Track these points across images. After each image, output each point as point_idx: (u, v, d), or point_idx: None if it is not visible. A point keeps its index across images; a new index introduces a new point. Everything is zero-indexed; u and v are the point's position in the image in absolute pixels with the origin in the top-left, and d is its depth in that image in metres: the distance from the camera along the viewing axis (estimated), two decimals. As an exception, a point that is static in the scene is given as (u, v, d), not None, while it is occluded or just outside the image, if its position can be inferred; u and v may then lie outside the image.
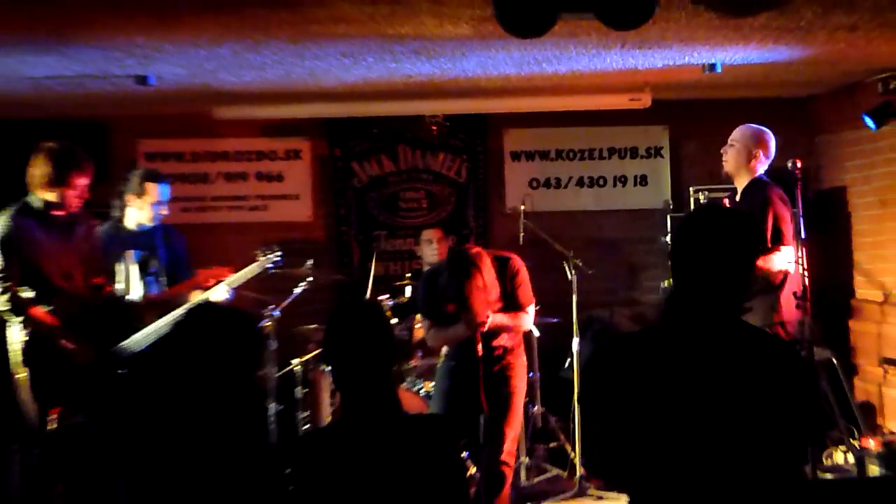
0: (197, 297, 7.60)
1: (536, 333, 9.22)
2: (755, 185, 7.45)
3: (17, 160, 9.92)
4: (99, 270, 7.28)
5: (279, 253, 8.21)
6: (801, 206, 7.36)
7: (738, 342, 3.76)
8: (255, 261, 8.02)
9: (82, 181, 7.01)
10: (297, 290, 8.98)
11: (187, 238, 7.99)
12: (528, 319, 7.33)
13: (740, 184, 7.46)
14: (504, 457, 7.02)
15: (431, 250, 9.64)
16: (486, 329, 6.90)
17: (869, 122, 8.93)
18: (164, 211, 7.74)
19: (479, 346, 6.76)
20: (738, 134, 7.55)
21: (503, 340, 7.21)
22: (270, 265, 8.03)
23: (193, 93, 9.04)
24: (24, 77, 7.99)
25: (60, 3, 6.11)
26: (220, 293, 7.68)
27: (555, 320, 9.34)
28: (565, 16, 5.68)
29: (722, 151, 7.57)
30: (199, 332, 4.22)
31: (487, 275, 6.77)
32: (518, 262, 7.18)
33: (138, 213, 7.77)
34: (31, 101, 9.19)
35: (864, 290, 9.76)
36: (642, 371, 3.73)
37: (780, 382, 3.70)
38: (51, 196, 6.98)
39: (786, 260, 7.14)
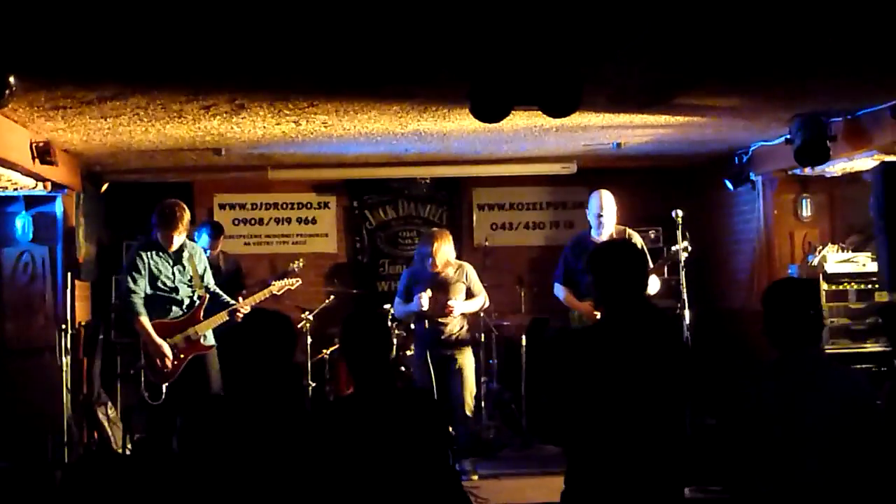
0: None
1: (495, 332, 9.26)
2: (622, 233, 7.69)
3: (131, 211, 9.99)
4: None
5: (294, 280, 8.12)
6: (682, 243, 7.39)
7: (644, 331, 3.81)
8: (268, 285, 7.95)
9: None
10: (327, 301, 9.02)
11: (249, 263, 7.99)
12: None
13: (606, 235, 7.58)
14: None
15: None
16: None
17: (728, 184, 9.01)
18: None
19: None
20: (610, 203, 7.61)
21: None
22: (277, 293, 7.91)
23: (253, 160, 9.06)
24: (134, 149, 8.00)
25: (154, 96, 6.13)
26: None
27: (507, 323, 9.39)
28: (518, 107, 5.74)
29: (599, 221, 7.59)
30: (253, 328, 4.25)
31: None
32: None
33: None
34: (139, 169, 9.20)
35: (729, 301, 9.81)
36: (581, 355, 3.77)
37: (669, 357, 3.76)
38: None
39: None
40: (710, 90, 6.31)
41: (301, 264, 8.84)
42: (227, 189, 10.48)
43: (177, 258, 7.20)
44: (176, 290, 7.18)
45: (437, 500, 4.00)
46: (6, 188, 7.39)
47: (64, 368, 7.96)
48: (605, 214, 7.55)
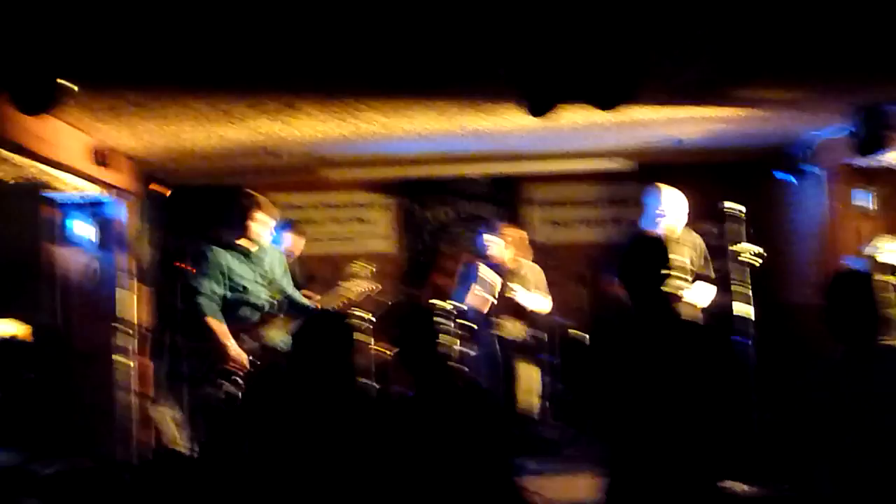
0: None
1: (559, 331, 9.23)
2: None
3: (192, 215, 10.11)
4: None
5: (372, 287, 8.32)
6: (744, 238, 7.34)
7: (673, 329, 3.81)
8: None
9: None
10: (389, 303, 9.05)
11: (307, 264, 8.02)
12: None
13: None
14: None
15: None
16: None
17: (789, 178, 8.92)
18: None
19: None
20: (678, 198, 7.52)
21: None
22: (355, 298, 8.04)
23: (311, 162, 9.13)
24: (196, 154, 8.09)
25: (214, 101, 6.21)
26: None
27: (571, 321, 9.34)
28: (568, 101, 5.73)
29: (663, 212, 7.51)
30: (317, 330, 4.29)
31: None
32: None
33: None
34: (200, 173, 9.31)
35: (792, 296, 9.71)
36: (617, 351, 3.78)
37: (699, 357, 3.75)
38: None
39: None
40: (770, 83, 6.26)
41: (372, 269, 8.86)
42: (284, 189, 10.54)
43: (252, 257, 7.10)
44: (249, 291, 7.05)
45: (494, 498, 4.02)
46: (70, 192, 7.51)
47: (130, 372, 8.09)
48: (666, 214, 7.44)
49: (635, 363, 3.72)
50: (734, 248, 7.40)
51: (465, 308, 7.71)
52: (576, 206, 10.83)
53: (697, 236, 7.65)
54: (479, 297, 7.56)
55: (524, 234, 7.90)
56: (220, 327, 6.89)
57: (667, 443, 3.66)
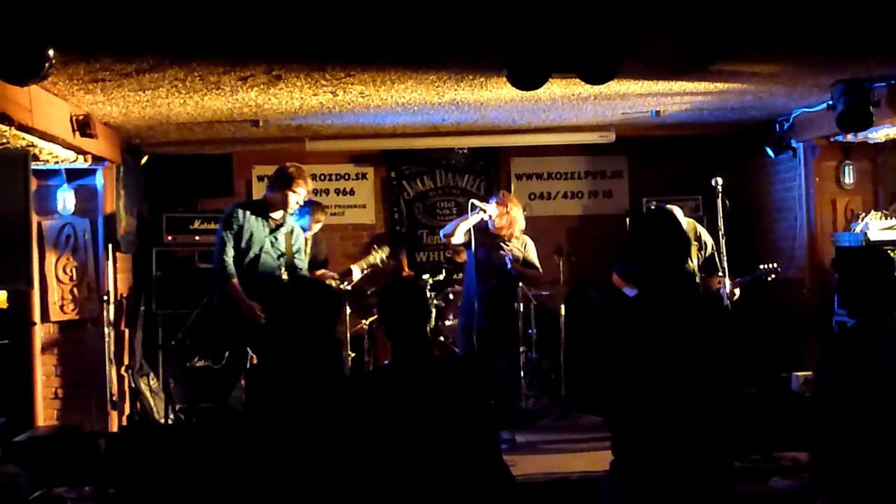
0: None
1: (534, 302, 9.26)
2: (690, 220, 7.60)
3: (170, 183, 10.10)
4: None
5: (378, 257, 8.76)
6: (723, 212, 7.35)
7: (688, 304, 3.80)
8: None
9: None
10: (366, 270, 9.04)
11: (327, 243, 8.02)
12: None
13: None
14: None
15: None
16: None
17: (770, 151, 8.92)
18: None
19: None
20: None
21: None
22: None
23: (290, 132, 9.09)
24: (172, 121, 8.04)
25: (192, 68, 6.15)
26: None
27: (546, 293, 9.37)
28: (556, 74, 5.70)
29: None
30: (295, 296, 4.28)
31: None
32: None
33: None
34: (178, 141, 9.25)
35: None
36: (625, 327, 3.76)
37: (713, 330, 3.75)
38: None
39: None
40: (750, 56, 6.25)
41: (384, 255, 8.93)
42: (265, 161, 10.49)
43: (275, 227, 7.20)
44: (261, 260, 7.16)
45: (477, 470, 4.01)
46: (47, 161, 7.45)
47: (106, 339, 8.07)
48: None
49: (649, 337, 3.68)
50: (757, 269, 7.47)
51: (445, 234, 7.74)
52: (555, 179, 10.84)
53: (701, 228, 7.67)
54: (460, 228, 7.56)
55: (520, 207, 7.89)
56: (238, 287, 7.02)
57: (676, 415, 3.64)
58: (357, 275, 8.48)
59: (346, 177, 10.76)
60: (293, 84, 6.69)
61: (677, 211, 7.46)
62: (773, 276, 7.56)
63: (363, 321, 9.24)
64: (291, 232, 7.32)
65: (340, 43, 5.66)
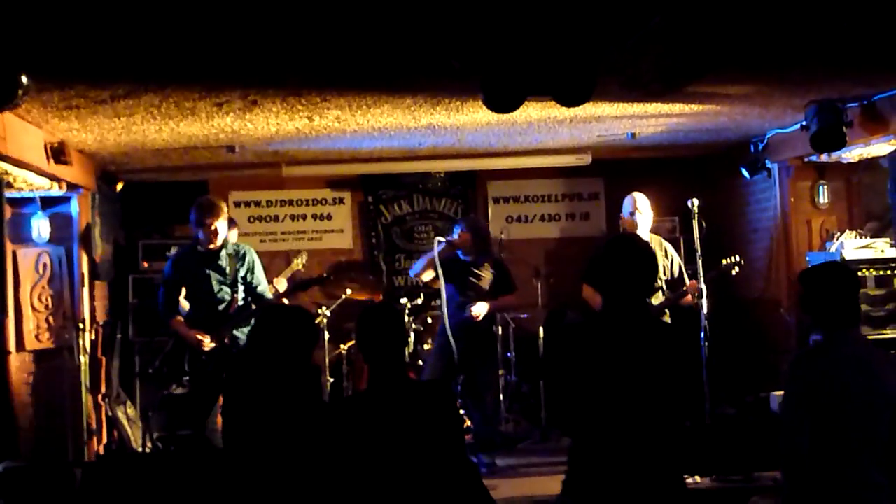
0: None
1: (512, 325, 9.25)
2: (655, 236, 7.56)
3: (147, 210, 10.05)
4: None
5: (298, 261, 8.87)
6: (697, 232, 7.35)
7: (645, 329, 3.82)
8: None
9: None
10: (343, 297, 9.01)
11: (265, 260, 7.96)
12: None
13: (644, 238, 7.37)
14: None
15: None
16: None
17: (745, 172, 8.96)
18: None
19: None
20: (645, 204, 7.50)
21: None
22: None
23: (267, 157, 9.07)
24: (148, 148, 8.00)
25: (167, 94, 6.13)
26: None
27: (525, 316, 9.36)
28: (531, 97, 5.71)
29: (630, 218, 7.50)
30: (271, 323, 4.26)
31: None
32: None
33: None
34: (154, 168, 9.21)
35: (747, 292, 9.76)
36: (584, 349, 3.77)
37: (670, 354, 3.76)
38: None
39: None
40: (724, 77, 6.27)
41: (304, 260, 8.93)
42: (241, 187, 10.48)
43: (212, 258, 7.14)
44: (212, 292, 7.14)
45: (455, 493, 3.99)
46: (22, 189, 7.40)
47: (83, 368, 8.00)
48: (638, 219, 7.43)
49: (603, 360, 3.70)
50: (722, 262, 7.45)
51: (414, 274, 7.83)
52: (532, 202, 10.85)
53: (669, 245, 7.66)
54: (427, 266, 7.60)
55: (486, 228, 7.91)
56: (179, 325, 7.13)
57: (628, 435, 3.65)
58: (283, 286, 8.40)
59: (324, 202, 10.73)
60: (269, 109, 6.67)
61: (642, 220, 7.45)
62: (736, 269, 7.51)
63: (342, 346, 9.20)
64: (236, 254, 7.23)
65: (315, 68, 5.65)
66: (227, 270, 7.13)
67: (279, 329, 4.26)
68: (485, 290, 7.69)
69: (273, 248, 10.40)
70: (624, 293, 3.81)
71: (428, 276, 7.70)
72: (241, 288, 7.15)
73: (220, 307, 7.13)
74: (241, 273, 7.16)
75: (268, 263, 9.55)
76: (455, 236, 7.75)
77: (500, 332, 8.84)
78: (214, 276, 7.13)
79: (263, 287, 7.28)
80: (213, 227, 6.99)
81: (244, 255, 7.22)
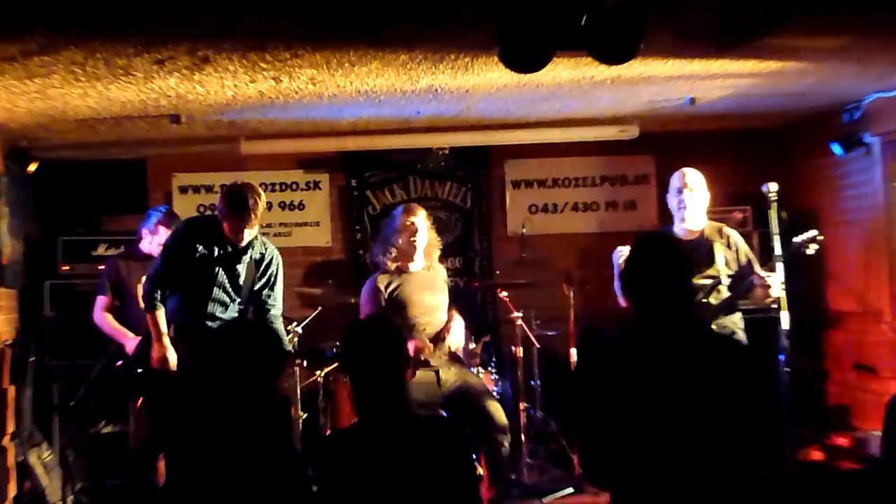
0: None
1: (537, 345, 9.24)
2: (713, 223, 7.52)
3: (68, 198, 10.04)
4: None
5: None
6: (776, 226, 7.34)
7: (698, 346, 3.81)
8: None
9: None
10: (319, 309, 9.00)
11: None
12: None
13: (697, 224, 7.38)
14: None
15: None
16: None
17: (837, 149, 8.94)
18: None
19: None
20: (697, 181, 7.47)
21: None
22: None
23: (221, 130, 9.07)
24: (69, 117, 8.01)
25: (94, 48, 6.13)
26: None
27: (553, 333, 9.34)
28: (560, 53, 5.70)
29: (677, 197, 7.46)
30: (225, 340, 4.26)
31: None
32: None
33: (149, 247, 7.99)
34: (79, 144, 9.22)
35: (838, 301, 9.74)
36: (623, 374, 3.77)
37: (734, 382, 3.75)
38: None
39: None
40: (811, 26, 6.26)
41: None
42: (188, 167, 10.48)
43: (234, 256, 7.21)
44: (212, 294, 7.21)
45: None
46: None
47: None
48: (688, 198, 7.41)
49: (648, 388, 3.69)
50: (793, 240, 7.39)
51: None
52: (563, 186, 10.85)
53: (733, 231, 7.63)
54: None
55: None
56: (161, 319, 7.19)
57: (683, 489, 3.64)
58: None
59: (294, 187, 10.74)
60: (224, 68, 6.67)
61: (692, 199, 7.39)
62: (812, 245, 7.44)
63: (318, 373, 9.18)
64: (260, 261, 7.32)
65: (285, 14, 5.64)
66: (243, 278, 7.22)
67: (235, 348, 4.26)
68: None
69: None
70: (660, 303, 3.82)
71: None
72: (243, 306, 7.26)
73: (208, 323, 7.19)
74: (258, 285, 7.28)
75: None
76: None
77: (521, 354, 8.83)
78: (222, 279, 7.21)
79: (278, 310, 7.39)
80: (244, 226, 7.07)
81: (269, 262, 7.34)
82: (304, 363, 8.78)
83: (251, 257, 7.21)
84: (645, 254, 3.99)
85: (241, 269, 7.20)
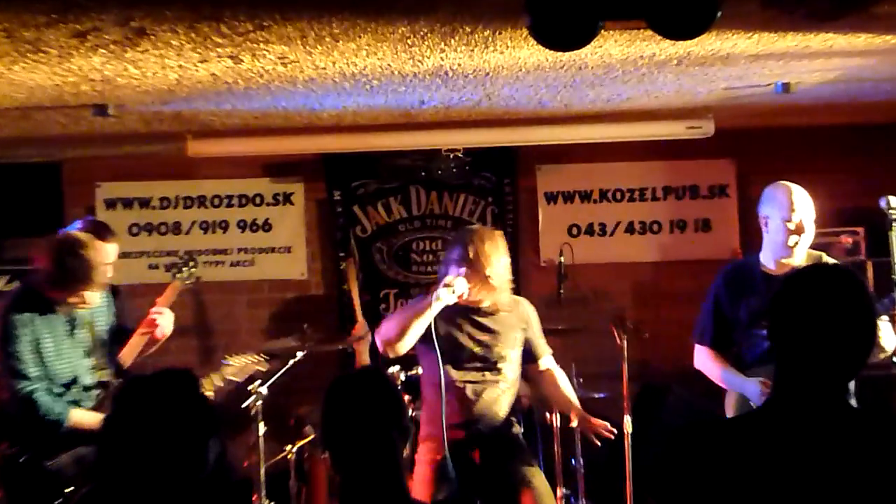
0: None
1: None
2: (812, 252, 7.50)
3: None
4: None
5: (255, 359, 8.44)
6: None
7: (857, 434, 3.73)
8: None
9: None
10: (290, 363, 8.99)
11: (156, 300, 8.01)
12: None
13: (799, 257, 7.38)
14: None
15: None
16: None
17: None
18: (111, 273, 7.81)
19: None
20: (809, 206, 7.44)
21: None
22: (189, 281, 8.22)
23: (162, 126, 9.08)
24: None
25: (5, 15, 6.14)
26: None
27: (602, 395, 9.33)
28: (609, 24, 5.70)
29: (782, 227, 7.44)
30: (133, 408, 4.23)
31: None
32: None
33: None
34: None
35: None
36: (731, 471, 3.71)
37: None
38: None
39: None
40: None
41: (191, 277, 8.90)
42: (118, 174, 10.53)
43: (74, 321, 7.40)
44: (74, 372, 7.42)
45: None
46: None
47: None
48: (797, 223, 7.39)
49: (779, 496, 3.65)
50: None
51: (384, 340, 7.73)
52: (612, 201, 10.87)
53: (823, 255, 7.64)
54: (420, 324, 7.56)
55: (498, 234, 7.83)
56: (82, 416, 7.41)
57: None
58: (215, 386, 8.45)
59: (258, 200, 10.77)
60: (166, 43, 6.68)
61: (805, 227, 7.38)
62: None
63: (288, 448, 9.18)
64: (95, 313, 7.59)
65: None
66: (85, 331, 7.39)
67: (158, 417, 4.21)
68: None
69: (167, 278, 10.37)
70: (821, 367, 3.76)
71: (408, 343, 7.61)
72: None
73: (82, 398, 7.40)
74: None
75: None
76: (458, 278, 7.64)
77: (556, 422, 8.81)
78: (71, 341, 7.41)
79: None
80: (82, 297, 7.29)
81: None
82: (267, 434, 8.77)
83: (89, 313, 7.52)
84: (821, 290, 3.89)
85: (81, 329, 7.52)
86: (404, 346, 7.54)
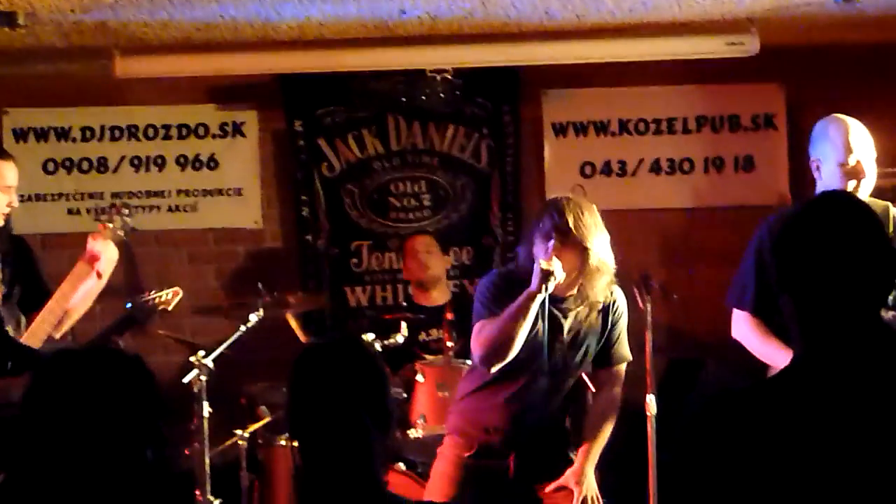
0: None
1: (592, 389, 9.25)
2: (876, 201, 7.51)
3: None
4: None
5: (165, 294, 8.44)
6: None
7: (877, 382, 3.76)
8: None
9: None
10: (242, 329, 8.99)
11: (77, 252, 7.99)
12: None
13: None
14: None
15: (419, 264, 9.58)
16: None
17: None
18: (14, 203, 7.78)
19: None
20: (869, 145, 7.45)
21: None
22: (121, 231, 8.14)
23: (84, 39, 9.07)
24: None
25: None
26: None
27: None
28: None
29: (841, 165, 7.46)
30: (61, 387, 4.24)
31: None
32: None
33: None
34: None
35: None
36: (758, 446, 3.73)
37: None
38: None
39: None
40: None
41: (124, 226, 8.86)
42: (30, 100, 10.51)
43: None
44: None
45: None
46: None
47: None
48: (854, 165, 7.41)
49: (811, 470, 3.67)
50: None
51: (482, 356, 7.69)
52: (636, 133, 10.86)
53: (884, 202, 7.67)
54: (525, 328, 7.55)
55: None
56: None
57: None
58: None
59: (202, 132, 10.76)
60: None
61: (865, 168, 7.41)
62: None
63: (239, 433, 9.20)
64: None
65: None
66: None
67: (85, 397, 4.23)
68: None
69: (93, 228, 10.32)
70: (841, 312, 3.77)
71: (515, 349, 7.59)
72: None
73: None
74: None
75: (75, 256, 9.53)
76: (546, 257, 7.60)
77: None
78: None
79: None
80: None
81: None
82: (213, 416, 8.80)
83: None
84: (828, 227, 3.90)
85: None
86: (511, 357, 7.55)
